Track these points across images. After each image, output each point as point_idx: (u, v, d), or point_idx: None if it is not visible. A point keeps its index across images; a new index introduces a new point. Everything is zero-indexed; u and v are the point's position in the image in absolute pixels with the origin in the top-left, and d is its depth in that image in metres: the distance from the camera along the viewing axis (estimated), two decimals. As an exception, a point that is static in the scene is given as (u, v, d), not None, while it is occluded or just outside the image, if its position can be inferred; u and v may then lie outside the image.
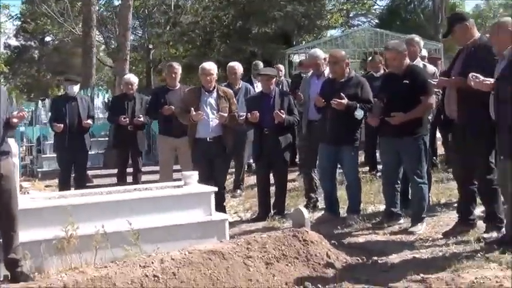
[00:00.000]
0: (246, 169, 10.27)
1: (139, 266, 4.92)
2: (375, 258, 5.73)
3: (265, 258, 5.28)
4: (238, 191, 9.71)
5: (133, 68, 21.79)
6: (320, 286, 4.97)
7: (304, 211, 6.05)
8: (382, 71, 10.54)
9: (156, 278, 4.81)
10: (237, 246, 5.37)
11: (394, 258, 5.75)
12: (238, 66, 10.03)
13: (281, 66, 13.28)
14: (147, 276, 4.81)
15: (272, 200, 8.07)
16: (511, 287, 4.62)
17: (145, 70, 29.14)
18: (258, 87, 11.32)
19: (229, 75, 10.00)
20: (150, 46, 25.73)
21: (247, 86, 10.08)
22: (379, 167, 10.16)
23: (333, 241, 6.08)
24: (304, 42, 23.43)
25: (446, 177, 9.17)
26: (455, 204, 7.29)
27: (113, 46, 26.33)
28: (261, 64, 12.24)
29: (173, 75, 9.34)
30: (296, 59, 18.97)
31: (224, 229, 6.39)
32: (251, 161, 11.04)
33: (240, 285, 4.96)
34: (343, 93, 7.27)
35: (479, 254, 5.41)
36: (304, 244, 5.53)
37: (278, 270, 5.20)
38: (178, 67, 9.55)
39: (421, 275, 5.05)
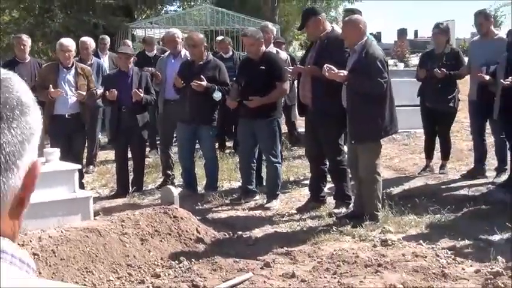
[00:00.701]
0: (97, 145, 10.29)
1: (17, 244, 4.94)
2: (240, 233, 6.12)
3: (140, 234, 5.52)
4: (91, 167, 9.73)
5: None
6: (194, 260, 5.29)
7: (173, 189, 6.31)
8: (231, 53, 10.97)
9: (36, 256, 4.85)
10: (111, 223, 5.56)
11: (257, 232, 6.17)
12: (90, 42, 10.01)
13: (129, 42, 13.30)
14: (26, 254, 4.86)
15: (130, 177, 8.25)
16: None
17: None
18: (105, 61, 11.36)
19: (81, 51, 9.93)
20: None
21: (99, 62, 10.09)
22: (228, 144, 10.69)
23: (197, 217, 6.38)
24: (144, 16, 23.26)
25: (292, 155, 9.84)
26: (304, 181, 7.95)
27: None
28: (107, 38, 12.24)
29: (22, 47, 9.15)
30: (139, 33, 18.81)
31: (88, 206, 6.43)
32: (100, 136, 11.07)
33: (118, 262, 5.17)
34: (202, 75, 7.60)
35: (334, 228, 5.98)
36: (174, 221, 5.82)
37: (153, 246, 5.45)
38: (27, 39, 9.35)
39: (285, 248, 5.53)
